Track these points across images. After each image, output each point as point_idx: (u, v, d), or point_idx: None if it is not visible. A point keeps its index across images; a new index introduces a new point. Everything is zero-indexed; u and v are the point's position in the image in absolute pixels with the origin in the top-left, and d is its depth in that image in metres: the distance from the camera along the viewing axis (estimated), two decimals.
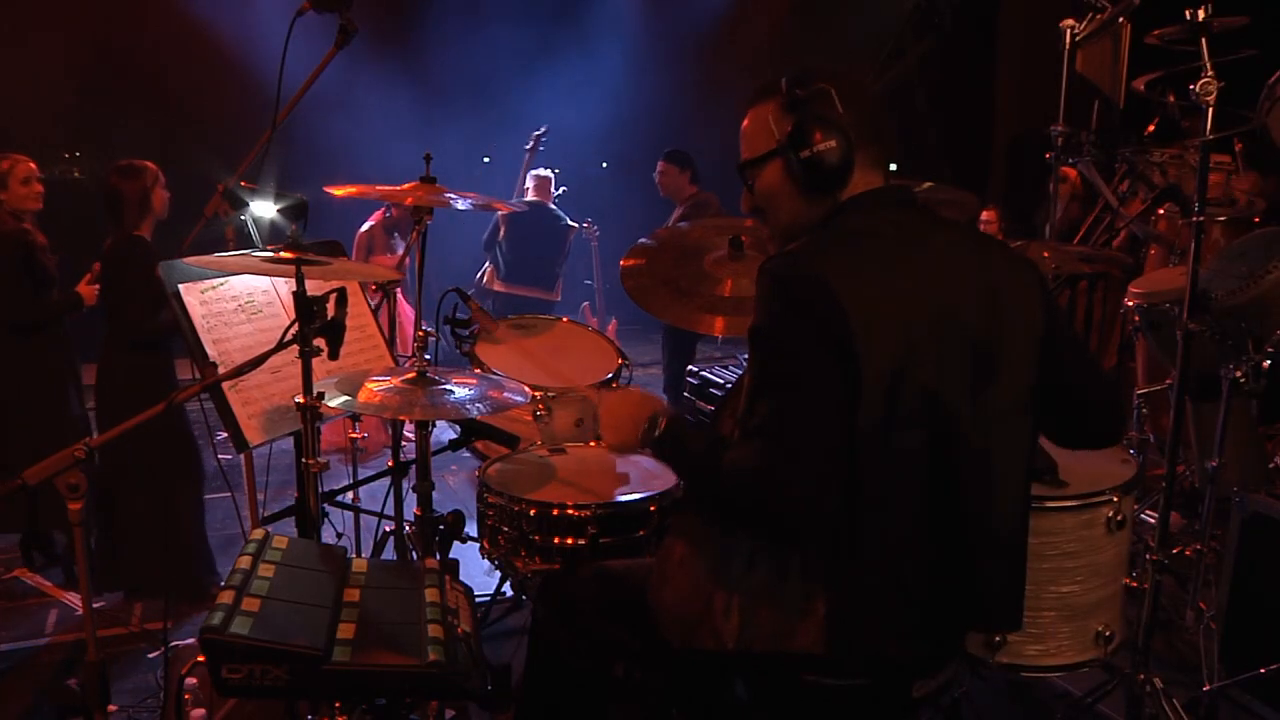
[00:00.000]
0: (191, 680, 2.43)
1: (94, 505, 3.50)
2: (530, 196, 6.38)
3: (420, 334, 2.38)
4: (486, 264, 6.55)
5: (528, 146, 6.90)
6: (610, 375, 3.06)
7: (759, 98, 1.61)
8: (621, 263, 2.64)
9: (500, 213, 6.29)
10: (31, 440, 3.47)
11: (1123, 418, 1.76)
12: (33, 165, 3.58)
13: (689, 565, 1.61)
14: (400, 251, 5.63)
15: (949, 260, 1.52)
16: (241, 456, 2.58)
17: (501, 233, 6.35)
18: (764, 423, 1.40)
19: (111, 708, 1.78)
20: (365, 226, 5.91)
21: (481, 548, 2.56)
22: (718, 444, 1.50)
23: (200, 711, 2.48)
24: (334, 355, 1.98)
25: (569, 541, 2.34)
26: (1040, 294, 1.56)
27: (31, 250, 3.48)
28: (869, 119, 1.54)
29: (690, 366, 5.37)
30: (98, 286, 3.52)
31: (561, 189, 9.02)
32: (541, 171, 6.46)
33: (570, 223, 6.39)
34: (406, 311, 5.18)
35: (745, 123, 1.64)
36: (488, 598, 3.23)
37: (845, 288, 1.39)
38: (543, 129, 7.30)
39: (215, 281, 2.45)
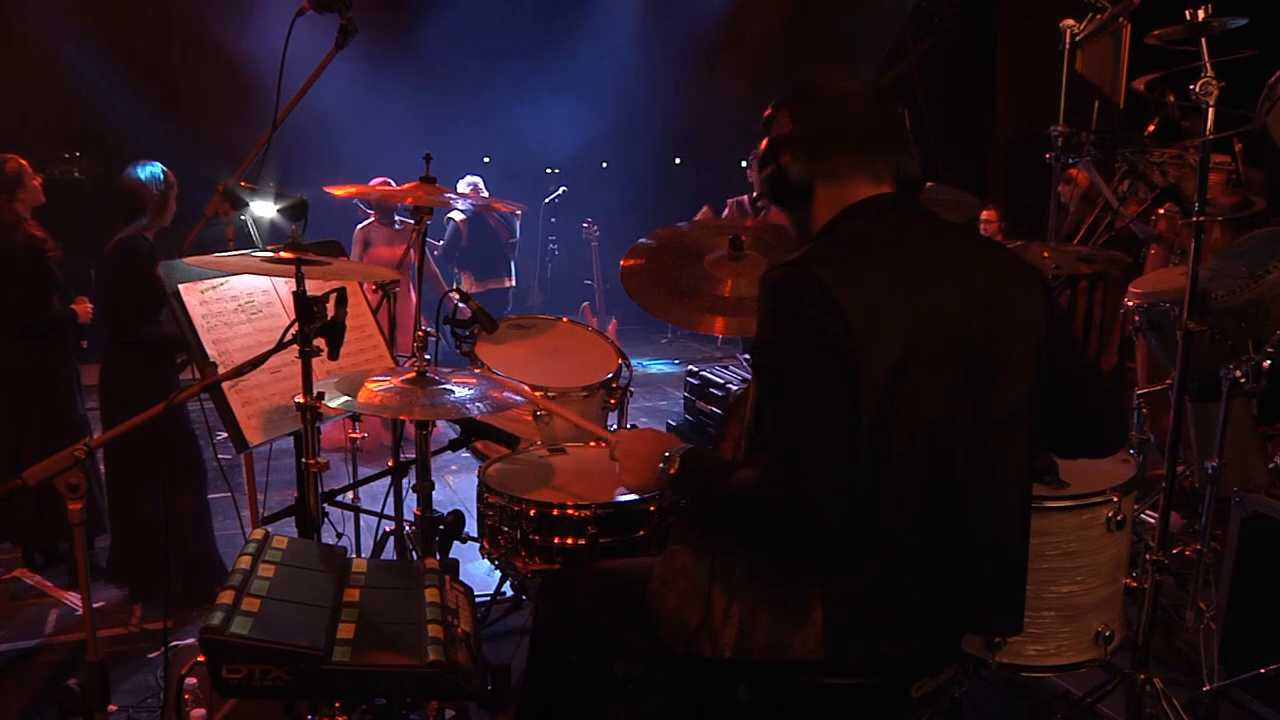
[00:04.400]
0: (191, 680, 2.43)
1: (110, 509, 3.56)
2: (468, 196, 6.66)
3: (420, 334, 2.38)
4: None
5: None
6: (610, 375, 3.06)
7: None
8: (621, 263, 2.64)
9: (459, 220, 6.71)
10: (38, 439, 3.52)
11: (1124, 426, 1.75)
12: (25, 162, 3.65)
13: (690, 571, 1.61)
14: (399, 230, 5.79)
15: (949, 265, 1.52)
16: (241, 456, 2.58)
17: (465, 238, 6.73)
18: (770, 435, 1.40)
19: (111, 708, 1.77)
20: (363, 223, 5.96)
21: (481, 548, 2.56)
22: (728, 466, 1.51)
23: (200, 711, 2.48)
24: (334, 355, 1.98)
25: (569, 541, 2.34)
26: (1042, 299, 1.56)
27: (46, 258, 3.55)
28: (841, 133, 1.55)
29: (690, 366, 5.39)
30: (91, 306, 3.62)
31: (561, 189, 9.03)
32: (471, 178, 6.74)
33: (511, 207, 6.82)
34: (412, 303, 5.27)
35: None
36: (488, 598, 3.23)
37: (844, 294, 1.39)
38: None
39: (215, 281, 2.45)
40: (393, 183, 5.44)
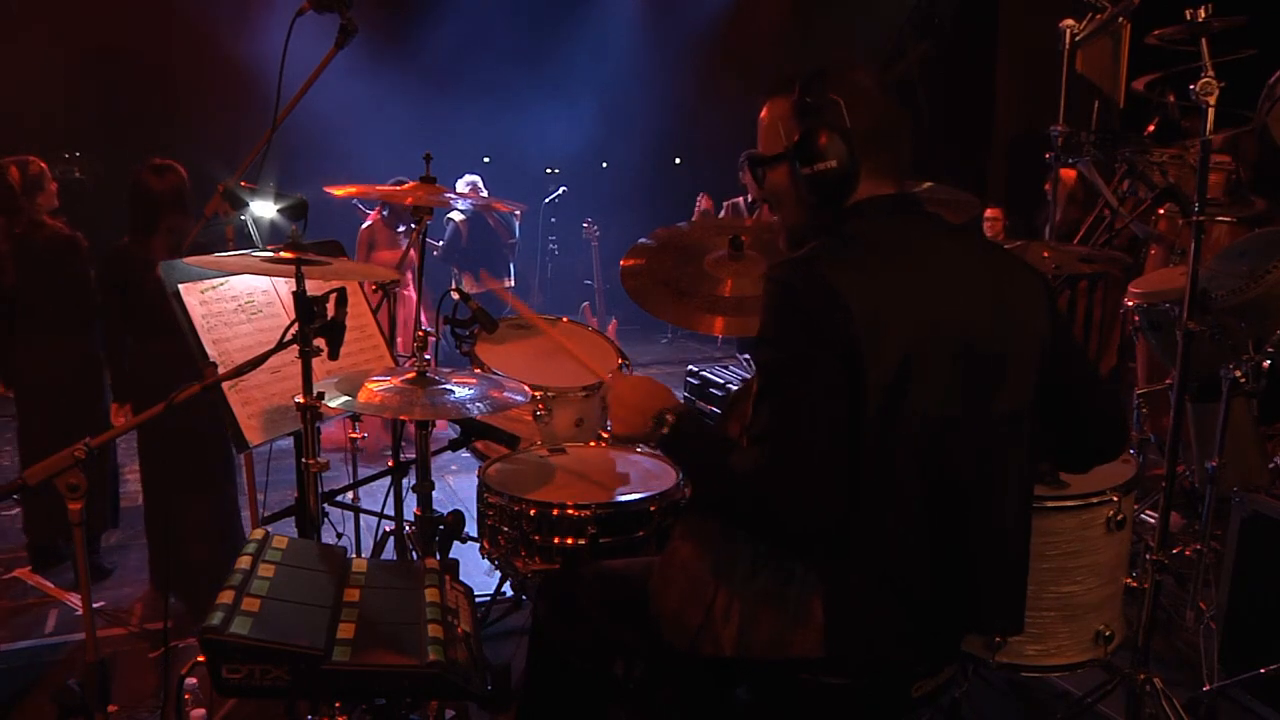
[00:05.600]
0: (191, 680, 2.43)
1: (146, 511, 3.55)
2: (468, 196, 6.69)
3: (420, 334, 2.38)
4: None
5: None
6: (610, 375, 3.06)
7: (777, 90, 1.58)
8: (621, 263, 2.64)
9: (458, 220, 6.66)
10: (69, 433, 3.52)
11: (1125, 430, 1.75)
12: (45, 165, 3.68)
13: (692, 569, 1.61)
14: (403, 232, 5.77)
15: (954, 266, 1.52)
16: (241, 456, 2.58)
17: (464, 239, 6.70)
18: (770, 429, 1.40)
19: (111, 708, 1.77)
20: (366, 224, 5.96)
21: (481, 548, 2.56)
22: (725, 446, 1.50)
23: (200, 711, 2.48)
24: (334, 355, 1.98)
25: (569, 541, 2.34)
26: (1044, 301, 1.56)
27: (79, 250, 3.59)
28: (880, 130, 1.52)
29: (690, 366, 5.38)
30: None
31: (561, 189, 9.03)
32: (470, 178, 6.72)
33: (510, 207, 6.87)
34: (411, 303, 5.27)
35: (763, 113, 1.61)
36: (488, 598, 3.23)
37: (851, 293, 1.38)
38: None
39: (215, 281, 2.45)
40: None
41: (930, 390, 1.42)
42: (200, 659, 2.33)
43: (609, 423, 1.71)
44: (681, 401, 1.61)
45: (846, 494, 1.38)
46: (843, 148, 1.47)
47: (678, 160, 10.27)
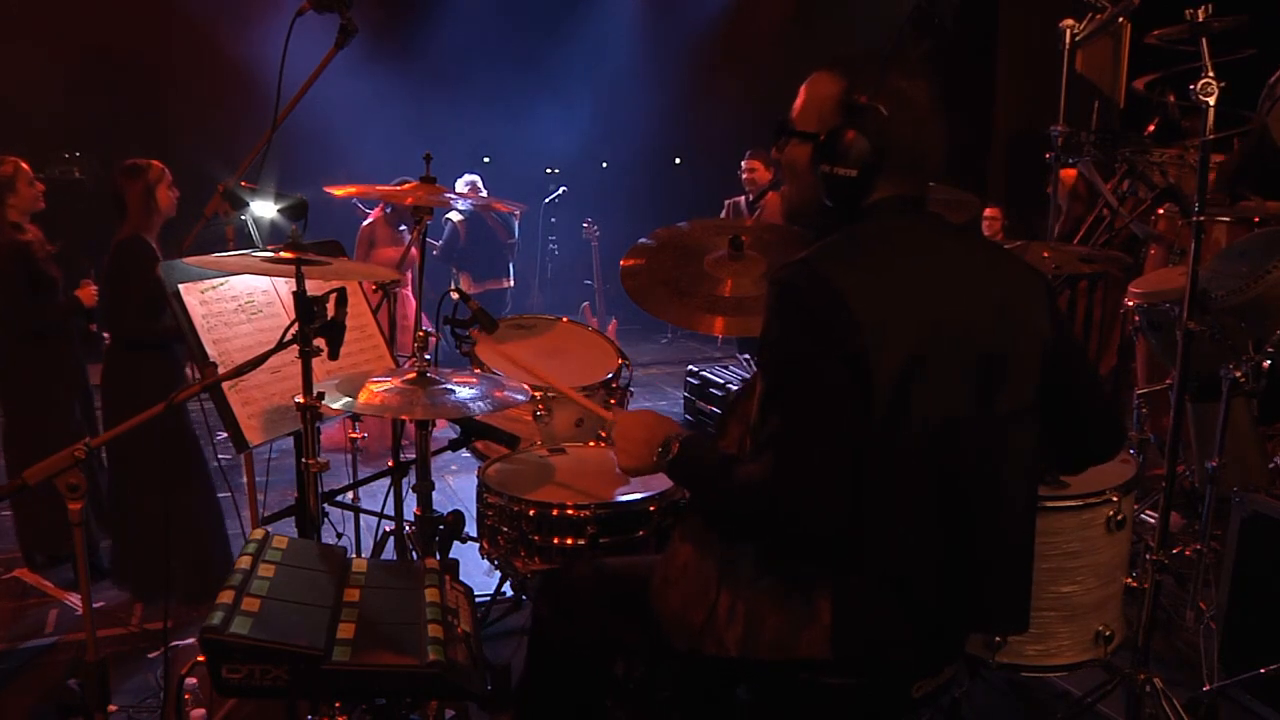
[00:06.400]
0: (191, 680, 2.44)
1: (110, 509, 3.56)
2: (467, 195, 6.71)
3: (420, 334, 2.38)
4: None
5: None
6: (610, 375, 3.06)
7: (832, 68, 1.54)
8: (621, 263, 2.64)
9: (456, 220, 6.67)
10: (35, 443, 3.51)
11: (1122, 432, 1.75)
12: (27, 166, 3.61)
13: (694, 570, 1.61)
14: (406, 242, 5.77)
15: (956, 266, 1.52)
16: (241, 456, 2.58)
17: (463, 239, 6.71)
18: (776, 434, 1.40)
19: (111, 708, 1.77)
20: (367, 221, 5.96)
21: (481, 548, 2.56)
22: (730, 461, 1.50)
23: (200, 711, 2.48)
24: (334, 355, 1.98)
25: (569, 542, 2.34)
26: (1045, 301, 1.56)
27: (32, 260, 3.52)
28: (914, 148, 1.50)
29: (690, 366, 5.39)
30: (95, 288, 3.55)
31: (561, 189, 9.03)
32: (469, 177, 6.73)
33: (510, 207, 6.91)
34: (411, 305, 5.26)
35: (809, 83, 1.57)
36: (488, 598, 3.23)
37: (856, 295, 1.38)
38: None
39: (215, 281, 2.45)
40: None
41: (933, 391, 1.42)
42: (200, 659, 2.33)
43: (616, 458, 1.71)
44: (684, 428, 1.61)
45: (851, 496, 1.38)
46: (868, 158, 1.46)
47: (677, 160, 10.27)
